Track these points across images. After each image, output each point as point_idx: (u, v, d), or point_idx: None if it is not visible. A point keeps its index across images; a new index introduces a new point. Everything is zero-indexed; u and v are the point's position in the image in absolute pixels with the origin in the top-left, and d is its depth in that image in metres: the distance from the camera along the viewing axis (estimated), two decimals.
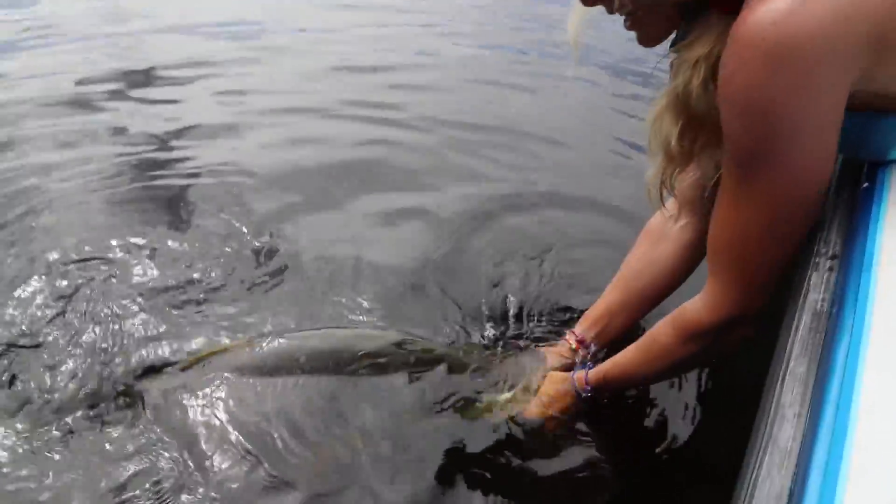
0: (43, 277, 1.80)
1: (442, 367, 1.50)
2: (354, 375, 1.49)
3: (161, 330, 1.65)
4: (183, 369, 1.54)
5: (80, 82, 3.38)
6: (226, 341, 1.61)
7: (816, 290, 0.84)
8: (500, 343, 1.65)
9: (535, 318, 1.76)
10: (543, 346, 1.61)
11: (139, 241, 2.00)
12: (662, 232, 1.51)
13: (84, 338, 1.61)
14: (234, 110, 3.08)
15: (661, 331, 1.26)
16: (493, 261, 1.98)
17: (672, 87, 1.05)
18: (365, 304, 1.78)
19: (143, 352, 1.58)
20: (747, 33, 0.84)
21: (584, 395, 1.42)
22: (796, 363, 0.74)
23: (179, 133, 2.81)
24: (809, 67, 0.83)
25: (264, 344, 1.56)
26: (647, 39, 1.06)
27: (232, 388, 1.48)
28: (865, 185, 0.96)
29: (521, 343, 1.65)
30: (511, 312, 1.78)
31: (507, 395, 1.46)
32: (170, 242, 2.00)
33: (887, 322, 0.71)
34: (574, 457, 1.41)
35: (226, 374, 1.51)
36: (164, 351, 1.59)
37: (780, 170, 0.91)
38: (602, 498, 1.39)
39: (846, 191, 0.98)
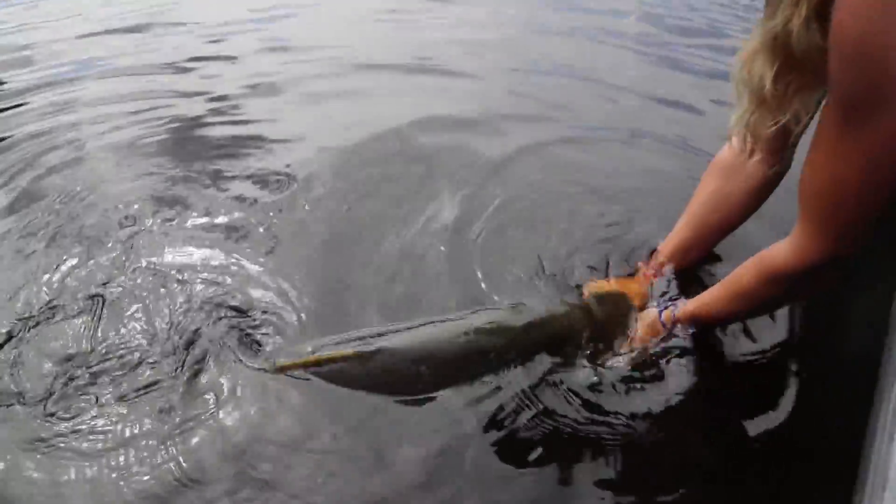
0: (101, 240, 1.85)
1: (563, 341, 1.50)
2: (482, 376, 1.41)
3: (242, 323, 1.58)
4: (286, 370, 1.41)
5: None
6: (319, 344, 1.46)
7: None
8: (584, 287, 1.68)
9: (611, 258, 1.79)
10: (624, 282, 1.66)
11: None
12: (734, 167, 1.52)
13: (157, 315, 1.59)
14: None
15: (745, 273, 1.30)
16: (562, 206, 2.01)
17: (769, 27, 1.02)
18: (454, 269, 1.76)
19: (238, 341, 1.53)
20: None
21: (672, 334, 1.49)
22: None
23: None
24: None
25: (374, 354, 1.40)
26: None
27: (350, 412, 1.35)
28: None
29: (606, 284, 1.68)
30: (583, 255, 1.81)
31: (613, 344, 1.51)
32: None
33: None
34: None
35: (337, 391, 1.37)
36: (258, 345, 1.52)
37: (889, 117, 0.89)
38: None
39: None
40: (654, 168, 2.28)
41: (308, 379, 1.40)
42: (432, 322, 1.49)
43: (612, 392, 1.43)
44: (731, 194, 1.54)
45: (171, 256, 1.79)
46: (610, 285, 1.66)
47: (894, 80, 0.85)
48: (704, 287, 1.47)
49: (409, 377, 1.39)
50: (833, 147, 0.98)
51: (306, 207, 2.04)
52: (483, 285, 1.70)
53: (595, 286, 1.66)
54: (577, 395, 1.42)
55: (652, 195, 2.07)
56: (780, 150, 1.36)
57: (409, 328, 1.48)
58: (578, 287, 1.68)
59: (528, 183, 2.16)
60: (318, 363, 1.40)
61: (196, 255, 1.80)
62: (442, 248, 1.85)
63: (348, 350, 1.41)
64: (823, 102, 1.01)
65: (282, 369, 1.42)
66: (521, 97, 2.80)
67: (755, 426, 1.41)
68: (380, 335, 1.45)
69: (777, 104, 1.11)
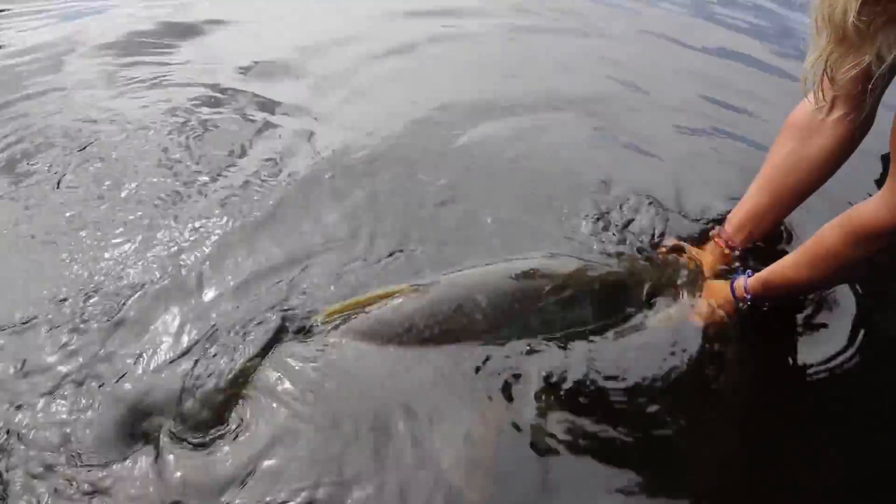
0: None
1: (619, 288, 1.48)
2: (544, 313, 1.38)
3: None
4: (346, 314, 1.36)
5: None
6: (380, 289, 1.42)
7: None
8: (652, 248, 1.66)
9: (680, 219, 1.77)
10: (695, 249, 1.62)
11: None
12: (811, 126, 1.45)
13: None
14: None
15: (830, 234, 1.26)
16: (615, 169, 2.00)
17: None
18: (508, 229, 1.74)
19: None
20: None
21: (743, 304, 1.45)
22: None
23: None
24: None
25: (430, 286, 1.37)
26: None
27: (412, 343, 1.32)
28: None
29: (672, 246, 1.65)
30: (651, 216, 1.78)
31: (675, 308, 1.49)
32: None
33: None
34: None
35: (399, 324, 1.33)
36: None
37: None
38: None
39: None
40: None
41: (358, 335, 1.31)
42: (486, 265, 1.48)
43: (659, 355, 1.40)
44: (808, 155, 1.46)
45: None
46: (684, 250, 1.62)
47: None
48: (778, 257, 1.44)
49: (467, 307, 1.34)
50: None
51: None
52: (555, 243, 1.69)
53: (668, 249, 1.63)
54: (624, 351, 1.40)
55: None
56: (861, 100, 1.28)
57: (461, 270, 1.47)
58: (654, 248, 1.66)
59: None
60: (369, 302, 1.34)
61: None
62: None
63: (402, 286, 1.38)
64: None
65: (332, 314, 1.36)
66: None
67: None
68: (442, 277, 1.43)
69: (860, 40, 1.07)
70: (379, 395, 1.27)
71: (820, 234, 1.29)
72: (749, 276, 1.44)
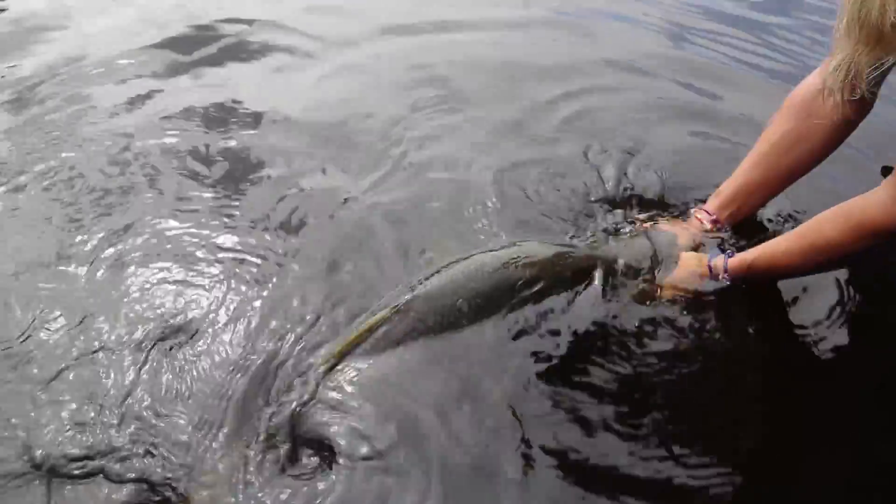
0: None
1: (596, 272, 1.46)
2: (520, 307, 1.38)
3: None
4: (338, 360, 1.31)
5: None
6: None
7: None
8: (628, 224, 1.64)
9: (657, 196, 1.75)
10: (676, 223, 1.60)
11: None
12: (811, 107, 1.42)
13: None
14: None
15: (829, 226, 1.25)
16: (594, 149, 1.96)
17: None
18: (483, 221, 1.70)
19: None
20: None
21: (722, 282, 1.43)
22: None
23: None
24: None
25: (410, 303, 1.34)
26: None
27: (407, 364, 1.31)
28: None
29: (652, 220, 1.63)
30: (628, 192, 1.76)
31: (647, 282, 1.47)
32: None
33: None
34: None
35: (390, 356, 1.31)
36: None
37: None
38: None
39: None
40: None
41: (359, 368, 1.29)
42: (458, 261, 1.45)
43: (636, 329, 1.40)
44: (806, 136, 1.44)
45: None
46: (661, 225, 1.60)
47: None
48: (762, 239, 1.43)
49: (450, 314, 1.35)
50: None
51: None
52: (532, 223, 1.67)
53: (645, 224, 1.61)
54: (601, 326, 1.40)
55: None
56: (863, 97, 1.25)
57: (436, 272, 1.42)
58: (631, 224, 1.63)
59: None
60: (359, 340, 1.32)
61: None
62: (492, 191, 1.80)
63: (382, 312, 1.34)
64: None
65: (331, 368, 1.30)
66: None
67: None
68: (409, 291, 1.39)
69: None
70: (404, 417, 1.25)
71: (818, 226, 1.27)
72: (730, 256, 1.43)
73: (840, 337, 1.43)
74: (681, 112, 2.18)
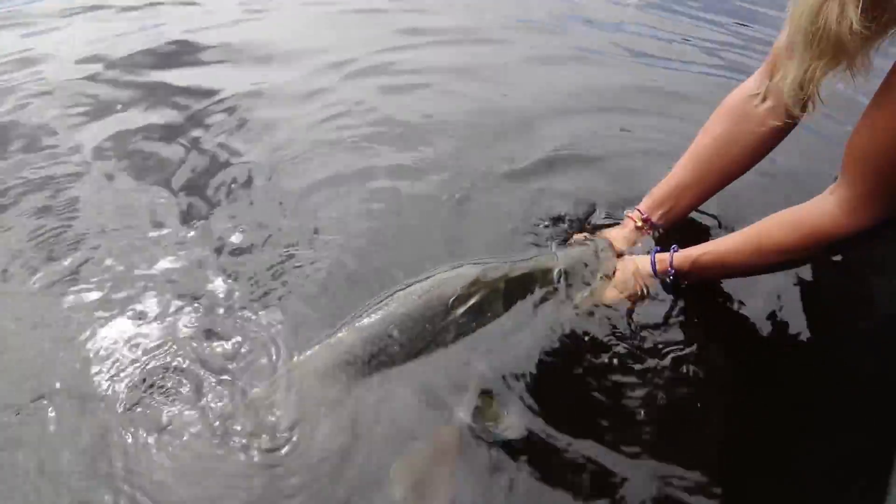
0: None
1: (530, 281, 1.40)
2: (452, 328, 1.31)
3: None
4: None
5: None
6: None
7: None
8: (565, 236, 1.61)
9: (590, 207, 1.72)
10: (607, 229, 1.59)
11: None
12: (745, 111, 1.43)
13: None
14: None
15: (777, 228, 1.25)
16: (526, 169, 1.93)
17: None
18: (423, 240, 1.65)
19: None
20: None
21: (667, 279, 1.40)
22: None
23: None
24: None
25: (345, 333, 1.30)
26: None
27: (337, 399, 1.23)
28: None
29: (585, 231, 1.61)
30: (561, 208, 1.72)
31: (588, 290, 1.41)
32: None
33: None
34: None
35: (322, 386, 1.24)
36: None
37: None
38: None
39: None
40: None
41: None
42: (390, 292, 1.38)
43: (578, 337, 1.34)
44: (739, 140, 1.44)
45: None
46: (593, 234, 1.56)
47: None
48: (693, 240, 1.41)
49: (384, 345, 1.27)
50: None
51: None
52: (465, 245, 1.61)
53: (579, 235, 1.57)
54: (541, 337, 1.33)
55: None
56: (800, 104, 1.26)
57: (366, 306, 1.36)
58: (565, 239, 1.59)
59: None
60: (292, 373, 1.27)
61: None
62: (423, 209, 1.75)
63: (315, 346, 1.29)
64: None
65: (261, 400, 1.23)
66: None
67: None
68: (342, 326, 1.33)
69: (862, 44, 1.01)
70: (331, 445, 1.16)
71: (767, 229, 1.27)
72: (675, 251, 1.38)
73: (790, 327, 1.41)
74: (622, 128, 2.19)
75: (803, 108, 1.29)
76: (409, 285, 1.37)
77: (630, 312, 1.38)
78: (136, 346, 1.36)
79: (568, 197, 1.75)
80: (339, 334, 1.28)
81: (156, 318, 1.42)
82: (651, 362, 1.32)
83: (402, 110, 2.30)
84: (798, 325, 1.41)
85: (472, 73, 2.63)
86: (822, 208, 1.17)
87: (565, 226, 1.65)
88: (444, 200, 1.77)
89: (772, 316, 1.43)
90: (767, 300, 1.45)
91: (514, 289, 1.37)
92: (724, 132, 1.46)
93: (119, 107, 2.38)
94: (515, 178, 1.87)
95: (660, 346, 1.34)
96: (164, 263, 1.60)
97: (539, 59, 2.79)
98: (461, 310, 1.31)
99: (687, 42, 3.01)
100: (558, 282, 1.40)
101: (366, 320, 1.30)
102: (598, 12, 3.34)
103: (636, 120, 2.23)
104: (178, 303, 1.46)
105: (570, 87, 2.49)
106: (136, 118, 2.29)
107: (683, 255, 1.36)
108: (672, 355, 1.33)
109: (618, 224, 1.59)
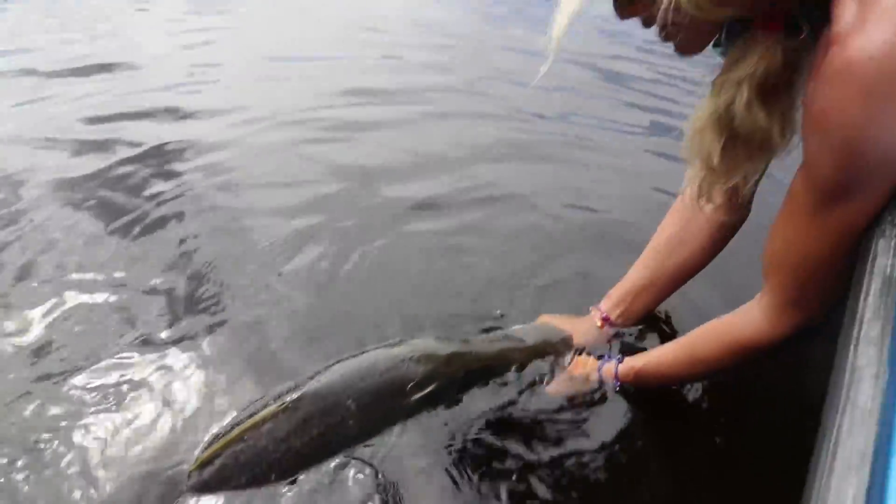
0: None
1: (488, 372, 1.44)
2: (408, 409, 1.34)
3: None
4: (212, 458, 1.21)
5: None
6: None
7: (885, 255, 0.82)
8: (523, 324, 1.60)
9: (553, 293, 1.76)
10: (570, 320, 1.59)
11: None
12: (692, 212, 1.46)
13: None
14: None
15: (706, 340, 1.25)
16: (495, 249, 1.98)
17: (714, 106, 1.02)
18: (378, 317, 1.66)
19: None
20: (842, 70, 0.80)
21: (614, 387, 1.42)
22: (869, 326, 0.73)
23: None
24: None
25: (297, 400, 1.27)
26: (685, 51, 1.02)
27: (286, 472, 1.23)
28: None
29: (548, 319, 1.61)
30: (526, 292, 1.77)
31: (543, 382, 1.46)
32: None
33: None
34: (592, 440, 1.38)
35: (268, 457, 1.22)
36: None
37: (863, 201, 0.90)
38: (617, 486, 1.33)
39: None
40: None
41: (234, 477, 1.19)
42: (353, 356, 1.39)
43: (535, 427, 1.37)
44: (687, 240, 1.47)
45: None
46: (556, 321, 1.57)
47: (872, 171, 0.86)
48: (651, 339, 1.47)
49: (338, 417, 1.28)
50: (805, 224, 0.97)
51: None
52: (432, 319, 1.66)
53: (543, 320, 1.59)
54: (498, 424, 1.36)
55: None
56: (735, 201, 1.34)
57: (326, 367, 1.36)
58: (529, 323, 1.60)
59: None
60: (241, 435, 1.23)
61: None
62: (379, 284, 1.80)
63: (270, 407, 1.25)
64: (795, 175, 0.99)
65: (202, 465, 1.20)
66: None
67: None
68: (296, 387, 1.31)
69: (725, 173, 1.10)
70: None
71: (697, 339, 1.27)
72: (620, 362, 1.40)
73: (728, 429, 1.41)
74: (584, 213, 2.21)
75: (748, 205, 1.35)
76: (372, 352, 1.38)
77: (575, 409, 1.40)
78: (49, 402, 1.36)
79: (542, 281, 1.78)
80: (292, 396, 1.26)
81: (76, 378, 1.43)
82: (591, 457, 1.33)
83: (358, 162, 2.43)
84: (737, 424, 1.43)
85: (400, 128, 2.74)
86: (746, 317, 1.16)
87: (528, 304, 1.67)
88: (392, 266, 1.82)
89: (711, 417, 1.44)
90: (708, 399, 1.46)
91: (473, 378, 1.40)
92: (675, 232, 1.48)
93: (52, 163, 2.41)
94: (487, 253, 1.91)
95: (603, 440, 1.35)
96: (91, 313, 1.63)
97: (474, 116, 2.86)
98: (418, 395, 1.32)
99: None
100: (514, 372, 1.43)
101: (322, 386, 1.29)
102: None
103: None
104: (101, 366, 1.46)
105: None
106: (72, 169, 2.36)
107: (628, 366, 1.37)
108: (613, 453, 1.34)
109: (584, 315, 1.61)
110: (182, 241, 1.95)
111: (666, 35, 0.98)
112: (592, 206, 2.25)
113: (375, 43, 3.67)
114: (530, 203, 2.24)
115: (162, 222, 2.05)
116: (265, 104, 2.98)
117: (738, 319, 1.18)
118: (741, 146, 1.03)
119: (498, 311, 1.68)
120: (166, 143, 2.57)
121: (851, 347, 0.72)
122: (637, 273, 1.55)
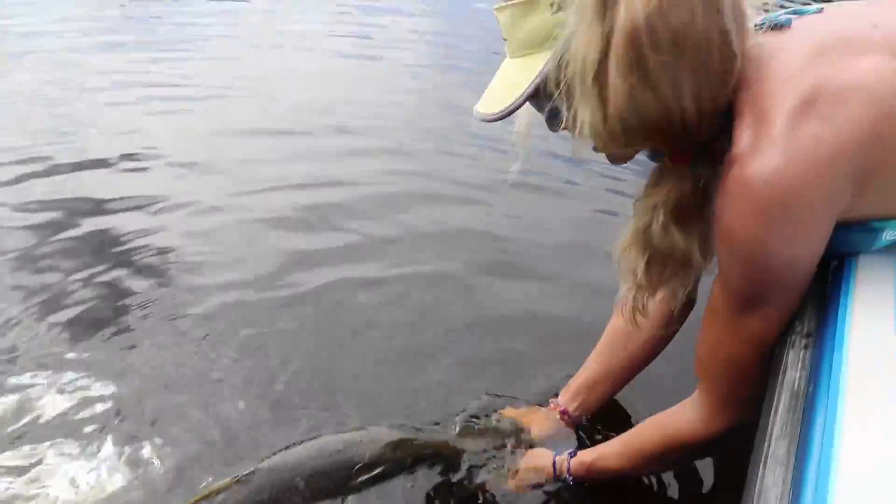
0: None
1: (438, 460, 1.49)
2: (356, 491, 1.42)
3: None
4: None
5: None
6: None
7: (794, 367, 0.86)
8: (486, 415, 1.62)
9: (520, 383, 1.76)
10: (531, 412, 1.61)
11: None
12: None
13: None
14: None
15: (648, 437, 1.27)
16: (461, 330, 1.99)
17: (635, 227, 1.07)
18: (340, 399, 1.69)
19: None
20: (740, 191, 0.86)
21: (567, 481, 1.42)
22: (776, 445, 0.76)
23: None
24: (801, 217, 0.86)
25: (250, 474, 1.38)
26: (613, 162, 1.08)
27: None
28: (835, 262, 1.00)
29: (511, 412, 1.62)
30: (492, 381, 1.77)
31: (493, 474, 1.47)
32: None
33: (859, 402, 0.73)
34: None
35: None
36: None
37: (773, 306, 0.95)
38: None
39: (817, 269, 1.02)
40: None
41: None
42: (310, 439, 1.50)
43: None
44: (634, 336, 1.49)
45: None
46: (518, 413, 1.59)
47: (776, 280, 0.92)
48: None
49: (287, 491, 1.38)
50: (725, 329, 1.01)
51: None
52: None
53: (506, 413, 1.60)
54: None
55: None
56: (669, 313, 1.37)
57: (286, 448, 1.47)
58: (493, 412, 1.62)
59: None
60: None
61: None
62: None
63: (225, 480, 1.37)
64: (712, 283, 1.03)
65: None
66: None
67: None
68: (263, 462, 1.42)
69: (652, 289, 1.14)
70: None
71: (640, 435, 1.29)
72: (573, 456, 1.40)
73: None
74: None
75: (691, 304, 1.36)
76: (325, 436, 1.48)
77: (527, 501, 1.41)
78: None
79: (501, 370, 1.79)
80: (249, 472, 1.37)
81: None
82: None
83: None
84: None
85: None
86: (683, 414, 1.17)
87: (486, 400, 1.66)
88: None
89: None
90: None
91: (422, 462, 1.46)
92: (621, 327, 1.50)
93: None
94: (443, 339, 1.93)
95: None
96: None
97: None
98: (364, 477, 1.41)
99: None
100: (466, 462, 1.46)
101: (275, 462, 1.41)
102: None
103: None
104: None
105: None
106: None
107: (579, 461, 1.38)
108: None
109: (546, 406, 1.61)
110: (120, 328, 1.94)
111: (595, 147, 1.04)
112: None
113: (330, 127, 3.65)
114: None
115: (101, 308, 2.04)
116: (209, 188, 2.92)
117: (676, 416, 1.20)
118: (664, 264, 1.07)
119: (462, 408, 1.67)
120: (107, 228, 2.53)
121: (760, 466, 0.75)
122: (591, 365, 1.57)
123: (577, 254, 2.42)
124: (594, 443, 1.52)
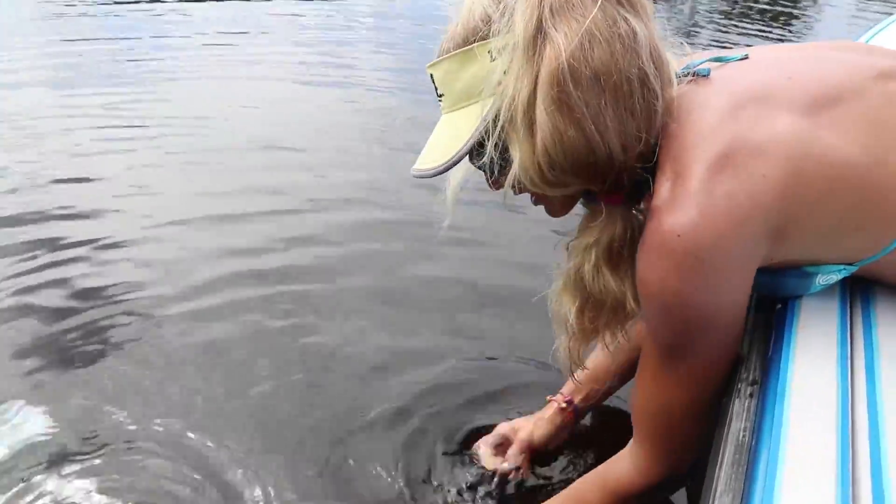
0: None
1: None
2: None
3: None
4: None
5: None
6: None
7: (739, 418, 0.87)
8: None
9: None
10: (523, 422, 1.56)
11: None
12: None
13: None
14: None
15: (589, 490, 1.25)
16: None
17: (566, 270, 1.07)
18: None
19: None
20: (656, 244, 0.89)
21: None
22: (720, 501, 0.76)
23: None
24: (716, 270, 0.88)
25: None
26: (551, 214, 1.09)
27: None
28: (779, 306, 1.01)
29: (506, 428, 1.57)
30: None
31: None
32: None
33: (798, 455, 0.73)
34: None
35: None
36: None
37: (699, 356, 0.97)
38: None
39: (762, 314, 1.03)
40: None
41: None
42: None
43: None
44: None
45: None
46: (511, 427, 1.55)
47: (696, 328, 0.93)
48: None
49: None
50: (655, 379, 1.03)
51: None
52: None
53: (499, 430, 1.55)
54: None
55: None
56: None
57: None
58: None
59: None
60: None
61: None
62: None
63: None
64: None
65: None
66: None
67: None
68: None
69: (585, 338, 1.13)
70: None
71: (581, 489, 1.26)
72: None
73: None
74: None
75: None
76: None
77: None
78: None
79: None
80: None
81: None
82: None
83: None
84: None
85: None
86: (620, 464, 1.17)
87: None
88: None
89: None
90: None
91: None
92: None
93: None
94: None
95: None
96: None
97: None
98: None
99: None
100: None
101: None
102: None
103: None
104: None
105: None
106: None
107: None
108: None
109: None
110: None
111: (535, 200, 1.06)
112: None
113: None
114: None
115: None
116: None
117: (616, 465, 1.19)
118: (596, 310, 1.07)
119: None
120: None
121: None
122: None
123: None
124: (593, 443, 1.50)
